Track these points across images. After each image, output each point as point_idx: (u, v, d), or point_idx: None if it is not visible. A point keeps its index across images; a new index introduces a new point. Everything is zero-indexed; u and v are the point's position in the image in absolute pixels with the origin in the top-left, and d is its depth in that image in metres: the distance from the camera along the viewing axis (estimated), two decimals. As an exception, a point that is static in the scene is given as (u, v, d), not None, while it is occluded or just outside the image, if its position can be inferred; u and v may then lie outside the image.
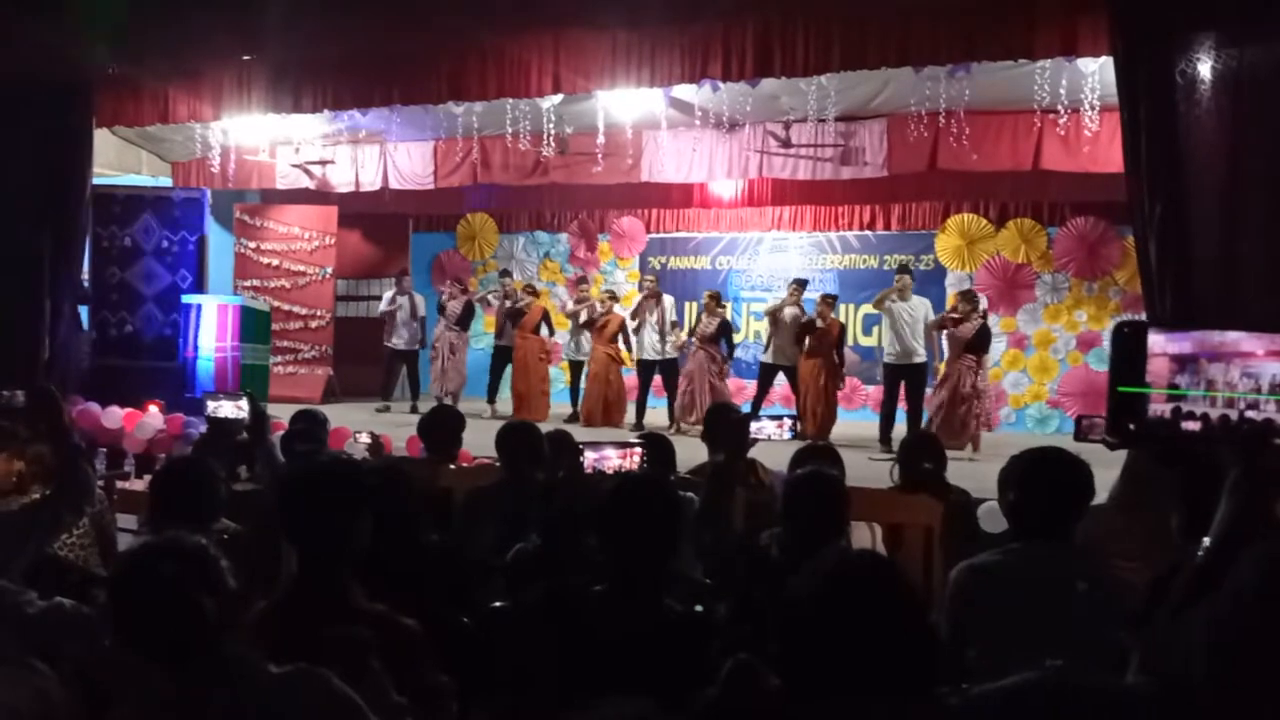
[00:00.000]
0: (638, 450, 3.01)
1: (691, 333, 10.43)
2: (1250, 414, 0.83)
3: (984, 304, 9.85)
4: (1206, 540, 1.05)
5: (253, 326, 10.80)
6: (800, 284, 10.21)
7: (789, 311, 9.97)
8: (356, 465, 3.01)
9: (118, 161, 11.54)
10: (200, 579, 1.80)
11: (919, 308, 9.37)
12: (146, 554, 1.85)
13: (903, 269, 9.92)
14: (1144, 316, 6.51)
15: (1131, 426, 0.85)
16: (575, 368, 10.99)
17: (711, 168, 10.42)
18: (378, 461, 4.48)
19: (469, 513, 4.00)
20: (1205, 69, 5.73)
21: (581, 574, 2.44)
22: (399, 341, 11.48)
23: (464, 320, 11.40)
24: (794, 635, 1.61)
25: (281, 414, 5.61)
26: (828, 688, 1.56)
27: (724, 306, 10.79)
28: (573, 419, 10.40)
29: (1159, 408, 0.84)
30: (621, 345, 10.74)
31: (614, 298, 11.18)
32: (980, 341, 9.07)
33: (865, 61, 7.28)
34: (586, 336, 10.89)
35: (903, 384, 9.23)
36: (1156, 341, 0.85)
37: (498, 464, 4.56)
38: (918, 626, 1.61)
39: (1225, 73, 5.67)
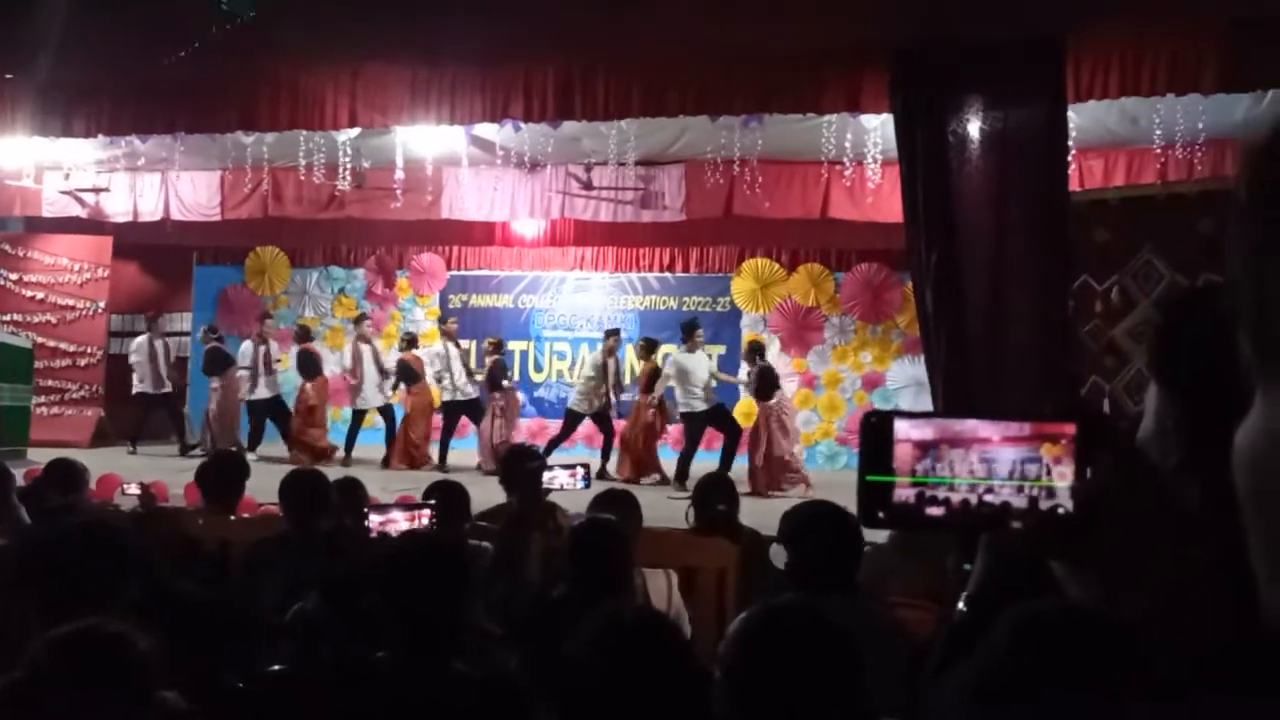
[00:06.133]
0: (426, 511, 2.91)
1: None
2: (988, 498, 0.86)
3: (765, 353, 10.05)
4: (961, 602, 1.09)
5: (11, 365, 9.95)
6: (615, 333, 10.32)
7: (611, 361, 10.03)
8: (110, 524, 2.79)
9: None
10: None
11: (704, 360, 9.59)
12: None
13: (694, 323, 9.89)
14: (894, 406, 6.90)
15: (880, 514, 0.87)
16: (359, 415, 10.55)
17: (513, 207, 10.40)
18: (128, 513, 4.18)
19: (249, 567, 3.78)
20: (974, 129, 6.20)
21: (363, 637, 2.32)
22: (145, 386, 10.94)
23: (209, 368, 10.81)
24: (573, 697, 1.59)
25: (45, 459, 5.18)
26: None
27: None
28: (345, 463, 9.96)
29: (904, 493, 0.86)
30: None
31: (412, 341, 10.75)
32: (758, 386, 9.38)
33: (664, 108, 7.44)
34: (373, 381, 10.52)
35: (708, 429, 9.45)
36: (901, 428, 0.87)
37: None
38: (690, 681, 1.61)
39: (991, 133, 6.16)
